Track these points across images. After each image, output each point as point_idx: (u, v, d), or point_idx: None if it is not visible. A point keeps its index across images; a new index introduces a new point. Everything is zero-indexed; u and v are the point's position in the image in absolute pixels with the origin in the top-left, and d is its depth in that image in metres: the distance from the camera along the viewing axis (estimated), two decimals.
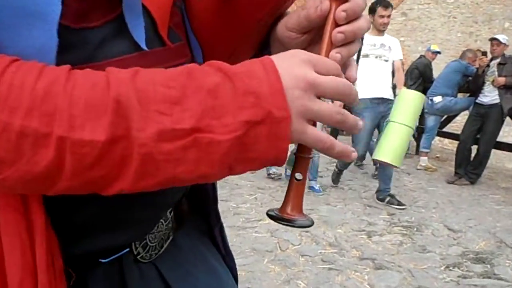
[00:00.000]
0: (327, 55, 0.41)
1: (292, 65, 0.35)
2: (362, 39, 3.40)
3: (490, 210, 3.70)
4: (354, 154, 0.39)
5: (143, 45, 0.38)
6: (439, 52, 5.71)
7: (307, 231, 3.04)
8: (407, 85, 5.45)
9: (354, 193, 4.04)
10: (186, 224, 0.56)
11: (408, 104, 3.07)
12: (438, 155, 5.90)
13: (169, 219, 0.51)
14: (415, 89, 5.41)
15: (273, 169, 4.50)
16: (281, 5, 0.47)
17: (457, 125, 5.98)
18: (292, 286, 2.29)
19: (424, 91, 5.42)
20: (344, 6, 0.40)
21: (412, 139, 5.86)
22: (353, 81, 0.43)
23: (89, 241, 0.42)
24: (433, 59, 5.62)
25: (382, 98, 3.66)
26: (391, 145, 3.03)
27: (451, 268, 2.53)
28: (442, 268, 2.51)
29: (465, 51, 5.36)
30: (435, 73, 5.51)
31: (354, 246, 2.82)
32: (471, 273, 2.47)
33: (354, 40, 0.41)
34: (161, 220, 0.50)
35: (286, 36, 0.46)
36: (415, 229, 3.15)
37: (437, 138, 5.66)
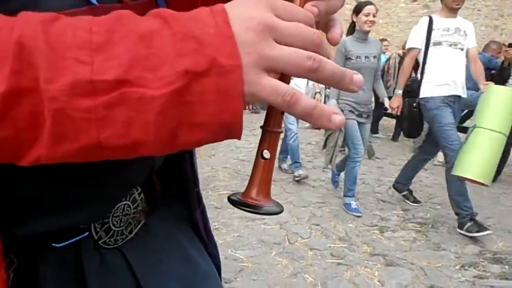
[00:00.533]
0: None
1: (246, 7, 0.29)
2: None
3: (510, 209, 3.54)
4: (338, 118, 0.30)
5: None
6: None
7: (317, 224, 2.97)
8: None
9: (368, 187, 3.94)
10: (161, 208, 0.50)
11: (502, 105, 2.37)
12: None
13: (138, 201, 0.46)
14: None
15: (285, 165, 4.43)
16: None
17: None
18: (299, 279, 2.23)
19: None
20: None
21: None
22: (335, 43, 0.36)
23: (36, 221, 0.36)
24: None
25: (458, 97, 3.01)
26: (480, 157, 2.35)
27: (466, 267, 2.42)
28: (457, 267, 2.41)
29: (489, 42, 5.14)
30: None
31: (365, 241, 2.73)
32: (487, 274, 2.36)
33: None
34: (128, 203, 0.44)
35: None
36: (430, 226, 3.04)
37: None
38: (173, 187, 0.53)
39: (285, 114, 0.33)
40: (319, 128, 7.60)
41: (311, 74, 0.30)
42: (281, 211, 0.35)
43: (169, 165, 0.51)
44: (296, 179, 4.00)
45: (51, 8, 0.31)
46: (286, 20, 0.30)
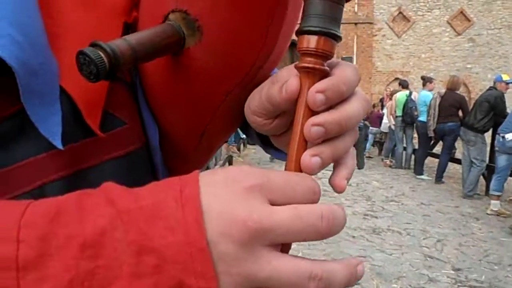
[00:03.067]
0: (297, 162, 0.27)
1: (229, 196, 0.23)
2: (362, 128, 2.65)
3: None
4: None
5: (58, 143, 0.29)
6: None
7: (357, 284, 2.75)
8: (476, 119, 4.98)
9: (413, 240, 3.66)
10: None
11: None
12: None
13: None
14: (484, 124, 4.94)
15: None
16: (253, 74, 0.34)
17: None
18: None
19: (495, 126, 4.92)
20: (321, 84, 0.27)
21: (481, 177, 5.32)
22: (340, 191, 0.29)
23: None
24: (506, 90, 5.09)
25: None
26: None
27: None
28: None
29: None
30: (508, 106, 4.99)
31: None
32: None
33: (341, 134, 0.28)
34: None
35: (252, 121, 0.34)
36: None
37: (510, 179, 5.05)
38: None
39: None
40: (359, 167, 7.29)
41: None
42: None
43: None
44: None
45: (8, 162, 0.29)
46: (283, 202, 0.24)
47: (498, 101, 4.90)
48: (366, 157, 8.53)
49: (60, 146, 0.29)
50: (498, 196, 4.45)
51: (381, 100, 9.91)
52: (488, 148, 5.20)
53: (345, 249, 3.38)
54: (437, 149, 6.98)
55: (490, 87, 5.19)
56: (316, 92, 0.26)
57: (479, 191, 5.29)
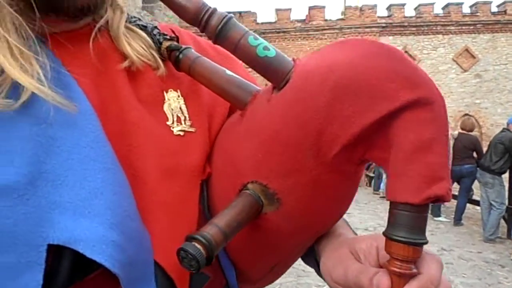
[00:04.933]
0: None
1: None
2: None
3: None
4: None
5: None
6: None
7: None
8: (491, 162, 4.96)
9: None
10: None
11: None
12: None
13: None
14: (501, 166, 4.90)
15: None
16: (319, 232, 0.40)
17: None
18: None
19: (511, 168, 4.89)
20: (412, 286, 0.29)
21: (502, 220, 5.21)
22: None
23: None
24: None
25: None
26: None
27: None
28: None
29: None
30: None
31: None
32: None
33: None
34: None
35: (332, 286, 0.36)
36: None
37: None
38: None
39: None
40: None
41: None
42: None
43: None
44: None
45: None
46: None
47: None
48: (380, 197, 8.40)
49: None
50: None
51: None
52: (507, 190, 5.14)
53: None
54: (454, 187, 6.89)
55: (504, 129, 5.18)
56: None
57: (500, 233, 5.17)
